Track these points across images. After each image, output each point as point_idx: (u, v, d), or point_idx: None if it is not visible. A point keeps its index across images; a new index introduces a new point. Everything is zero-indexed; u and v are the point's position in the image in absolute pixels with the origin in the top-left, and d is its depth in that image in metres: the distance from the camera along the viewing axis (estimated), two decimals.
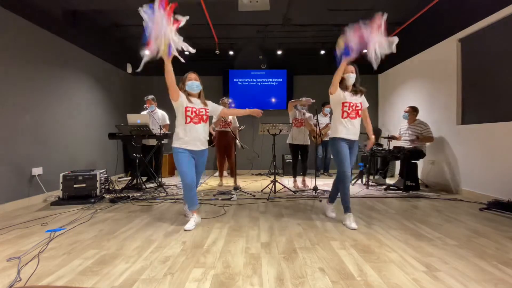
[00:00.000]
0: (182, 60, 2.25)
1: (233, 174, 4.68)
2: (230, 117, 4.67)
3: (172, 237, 2.34)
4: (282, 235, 2.36)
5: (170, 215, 2.98)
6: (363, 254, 1.97)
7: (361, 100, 2.69)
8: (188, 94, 2.65)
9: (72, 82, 4.46)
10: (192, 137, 2.60)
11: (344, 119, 2.62)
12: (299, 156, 4.57)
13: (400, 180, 4.27)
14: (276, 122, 4.02)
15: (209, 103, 2.81)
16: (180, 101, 2.57)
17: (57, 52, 4.12)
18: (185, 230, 2.49)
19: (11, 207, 3.28)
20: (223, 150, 4.78)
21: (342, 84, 2.63)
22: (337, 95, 2.62)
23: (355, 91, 2.67)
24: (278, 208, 3.29)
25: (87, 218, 2.88)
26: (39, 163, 3.72)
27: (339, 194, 2.76)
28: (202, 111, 2.66)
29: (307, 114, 4.41)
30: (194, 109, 2.61)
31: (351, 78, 2.62)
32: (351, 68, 2.62)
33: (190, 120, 2.59)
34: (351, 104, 2.61)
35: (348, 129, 2.63)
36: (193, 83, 2.63)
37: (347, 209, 2.62)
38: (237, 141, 4.41)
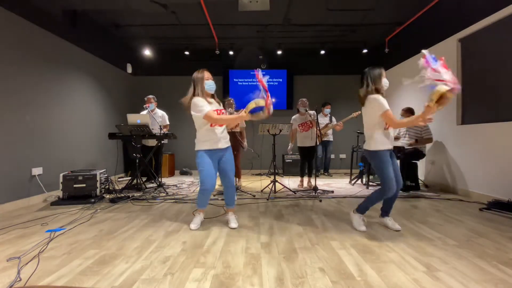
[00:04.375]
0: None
1: (238, 175, 4.65)
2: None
3: (172, 237, 2.34)
4: (282, 235, 2.36)
5: (170, 215, 2.98)
6: (363, 254, 1.97)
7: None
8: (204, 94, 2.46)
9: (72, 82, 4.46)
10: (216, 138, 2.47)
11: (386, 130, 2.41)
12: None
13: None
14: (276, 122, 4.02)
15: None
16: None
17: (57, 52, 4.12)
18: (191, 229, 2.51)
19: (11, 207, 3.28)
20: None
21: (383, 93, 2.44)
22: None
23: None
24: (278, 208, 3.29)
25: (87, 218, 2.89)
26: (39, 163, 3.72)
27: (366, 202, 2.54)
28: (223, 112, 2.58)
29: (311, 112, 4.37)
30: (218, 112, 2.48)
31: (387, 85, 2.44)
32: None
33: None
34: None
35: (390, 138, 2.44)
36: (212, 83, 2.50)
37: (386, 214, 2.57)
38: (244, 144, 4.36)
